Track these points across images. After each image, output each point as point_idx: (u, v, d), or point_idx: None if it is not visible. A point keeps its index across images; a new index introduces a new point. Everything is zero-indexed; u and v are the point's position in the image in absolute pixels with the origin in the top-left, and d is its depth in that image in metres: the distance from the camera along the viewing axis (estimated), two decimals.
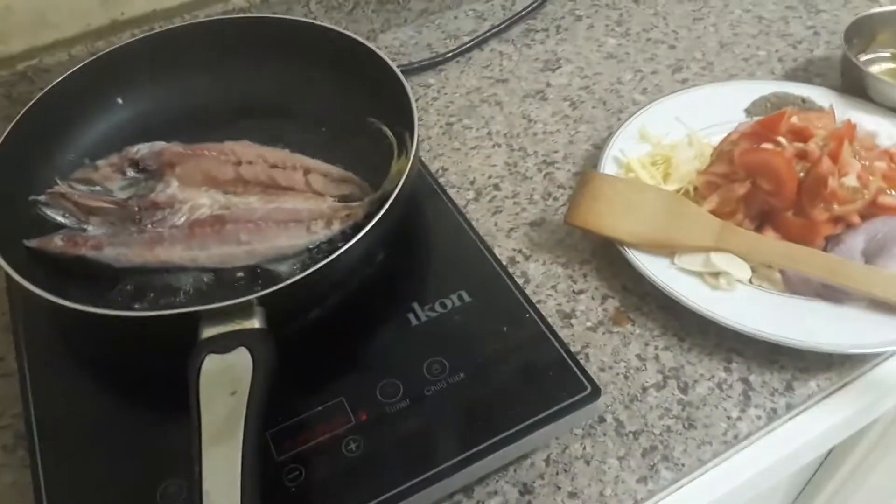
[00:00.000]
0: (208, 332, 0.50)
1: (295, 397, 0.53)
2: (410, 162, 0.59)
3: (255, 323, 0.50)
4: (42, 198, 0.62)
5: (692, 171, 0.70)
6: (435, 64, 0.88)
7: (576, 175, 0.75)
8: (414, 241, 0.65)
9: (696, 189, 0.69)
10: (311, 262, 0.59)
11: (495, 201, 0.73)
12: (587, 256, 0.68)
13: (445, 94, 0.86)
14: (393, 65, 0.66)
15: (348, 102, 0.70)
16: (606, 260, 0.67)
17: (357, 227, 0.56)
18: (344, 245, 0.53)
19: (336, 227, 0.60)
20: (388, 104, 0.66)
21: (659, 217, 0.63)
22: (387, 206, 0.55)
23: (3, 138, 0.63)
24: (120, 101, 0.72)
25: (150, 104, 0.72)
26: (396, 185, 0.58)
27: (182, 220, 0.62)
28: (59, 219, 0.62)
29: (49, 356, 0.58)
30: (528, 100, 0.84)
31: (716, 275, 0.61)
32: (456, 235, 0.64)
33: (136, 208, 0.63)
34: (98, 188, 0.65)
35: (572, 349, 0.57)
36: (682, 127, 0.74)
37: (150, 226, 0.62)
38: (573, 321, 0.63)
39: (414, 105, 0.62)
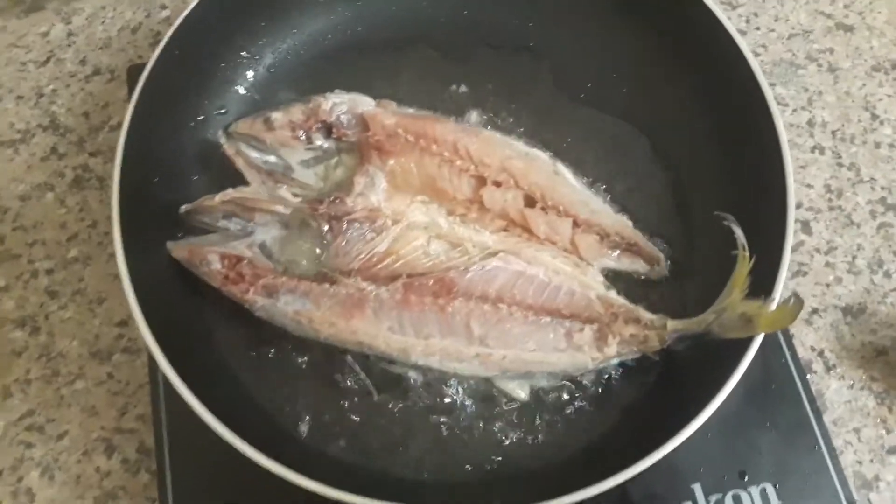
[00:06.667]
0: None
1: None
2: (767, 317, 0.37)
3: None
4: (194, 205, 0.42)
5: None
6: None
7: None
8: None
9: None
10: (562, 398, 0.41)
11: (800, 252, 0.52)
12: None
13: (757, 28, 0.58)
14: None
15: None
16: None
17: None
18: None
19: (612, 350, 0.40)
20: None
21: None
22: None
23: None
24: None
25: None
26: (733, 329, 0.38)
27: (383, 246, 0.42)
28: (217, 223, 0.43)
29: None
30: (878, 76, 0.57)
31: None
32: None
33: (324, 217, 0.42)
34: (272, 158, 0.44)
35: None
36: None
37: (338, 239, 0.43)
38: (872, 496, 0.46)
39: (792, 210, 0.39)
